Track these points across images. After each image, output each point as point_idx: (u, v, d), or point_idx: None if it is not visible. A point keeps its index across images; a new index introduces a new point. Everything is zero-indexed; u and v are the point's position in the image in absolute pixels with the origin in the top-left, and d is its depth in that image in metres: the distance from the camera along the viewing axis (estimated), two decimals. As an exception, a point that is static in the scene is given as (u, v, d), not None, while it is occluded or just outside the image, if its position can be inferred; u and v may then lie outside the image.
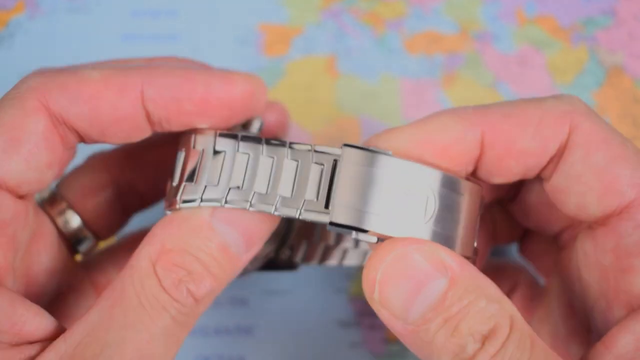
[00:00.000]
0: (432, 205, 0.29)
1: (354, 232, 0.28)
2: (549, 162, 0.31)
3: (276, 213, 0.29)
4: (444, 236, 0.29)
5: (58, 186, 0.37)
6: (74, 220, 0.36)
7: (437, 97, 0.47)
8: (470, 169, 0.32)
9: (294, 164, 0.29)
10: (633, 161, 0.30)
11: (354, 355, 0.44)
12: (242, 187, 0.29)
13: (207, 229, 0.29)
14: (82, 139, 0.32)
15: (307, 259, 0.39)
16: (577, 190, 0.30)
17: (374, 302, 0.29)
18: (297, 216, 0.29)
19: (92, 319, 0.29)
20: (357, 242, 0.38)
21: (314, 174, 0.29)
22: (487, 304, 0.28)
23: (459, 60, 0.48)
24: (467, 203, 0.30)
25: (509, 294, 0.39)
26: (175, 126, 0.32)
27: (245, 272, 0.36)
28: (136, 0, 0.49)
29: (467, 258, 0.31)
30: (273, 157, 0.30)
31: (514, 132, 0.30)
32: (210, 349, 0.43)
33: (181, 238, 0.29)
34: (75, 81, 0.30)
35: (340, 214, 0.28)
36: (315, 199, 0.29)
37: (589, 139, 0.30)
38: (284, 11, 0.49)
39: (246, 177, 0.30)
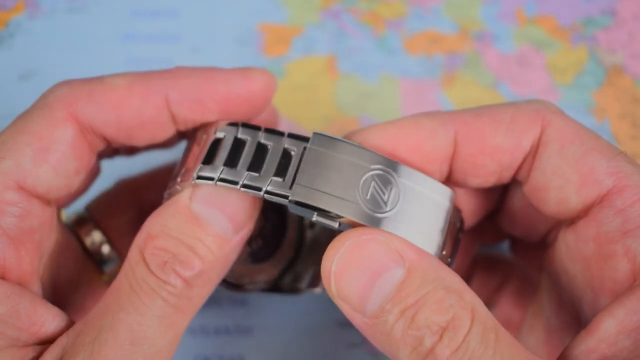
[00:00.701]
0: (394, 196, 0.29)
1: (315, 214, 0.29)
2: (524, 161, 0.31)
3: (241, 189, 0.30)
4: (402, 228, 0.29)
5: (86, 207, 0.38)
6: (100, 240, 0.37)
7: (437, 97, 0.47)
8: (444, 168, 0.32)
9: (269, 146, 0.30)
10: (607, 152, 0.30)
11: (353, 355, 0.44)
12: (237, 167, 0.30)
13: (186, 211, 0.30)
14: (110, 143, 0.33)
15: (312, 285, 0.39)
16: (556, 184, 0.30)
17: (332, 295, 0.29)
18: (262, 193, 0.29)
19: (92, 311, 0.30)
20: None
21: (285, 157, 0.30)
22: (446, 295, 0.27)
23: (459, 60, 0.48)
24: (432, 202, 0.30)
25: (500, 287, 0.39)
26: (199, 123, 0.33)
27: (247, 291, 0.37)
28: (136, 0, 0.49)
29: None
30: (247, 139, 0.31)
31: (487, 129, 0.31)
32: (210, 349, 0.43)
33: (163, 223, 0.30)
34: (101, 89, 0.32)
35: (299, 193, 0.29)
36: (282, 180, 0.29)
37: (562, 134, 0.30)
38: (284, 11, 0.49)
39: (234, 158, 0.31)
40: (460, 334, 0.27)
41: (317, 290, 0.39)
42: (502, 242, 0.40)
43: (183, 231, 0.30)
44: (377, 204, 0.29)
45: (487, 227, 0.38)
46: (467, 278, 0.40)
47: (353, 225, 0.29)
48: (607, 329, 0.28)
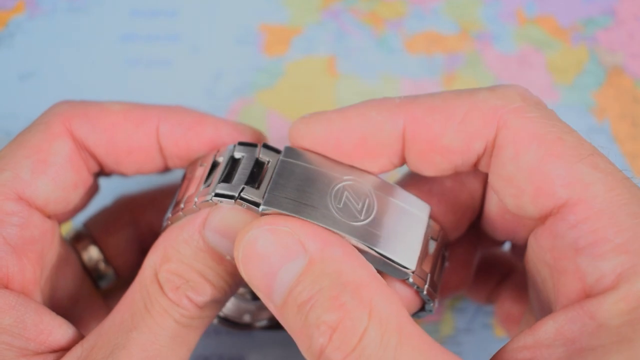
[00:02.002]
0: (368, 206, 0.29)
1: (260, 209, 0.29)
2: (480, 159, 0.30)
3: (214, 198, 0.30)
4: (378, 237, 0.29)
5: (85, 224, 0.39)
6: (97, 256, 0.38)
7: (437, 97, 0.47)
8: (395, 160, 0.31)
9: (244, 156, 0.31)
10: (568, 157, 0.28)
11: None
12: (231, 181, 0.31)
13: (199, 240, 0.30)
14: (101, 167, 0.34)
15: None
16: (511, 192, 0.29)
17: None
18: (236, 196, 0.29)
19: (106, 324, 0.30)
20: None
21: (258, 167, 0.30)
22: (341, 291, 0.25)
23: (459, 60, 0.48)
24: (408, 214, 0.30)
25: (500, 283, 0.39)
26: (183, 164, 0.34)
27: (250, 329, 0.37)
28: (136, 0, 0.49)
29: (404, 267, 0.29)
30: (244, 155, 0.31)
31: (437, 128, 0.29)
32: (210, 349, 0.43)
33: (177, 248, 0.30)
34: (97, 111, 0.33)
35: (271, 201, 0.29)
36: (256, 187, 0.30)
37: (517, 137, 0.28)
38: (284, 11, 0.49)
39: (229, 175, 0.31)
40: (353, 336, 0.25)
41: None
42: (501, 246, 0.40)
43: (196, 259, 0.30)
44: (350, 213, 0.29)
45: (483, 234, 0.38)
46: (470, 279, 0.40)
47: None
48: (546, 331, 0.27)
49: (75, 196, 0.33)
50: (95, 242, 0.38)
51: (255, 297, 0.37)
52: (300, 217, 0.28)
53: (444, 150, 0.29)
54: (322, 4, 0.49)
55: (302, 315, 0.26)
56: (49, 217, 0.33)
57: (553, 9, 0.49)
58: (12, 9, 0.48)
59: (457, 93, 0.30)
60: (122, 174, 0.35)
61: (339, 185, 0.29)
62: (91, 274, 0.38)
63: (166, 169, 0.35)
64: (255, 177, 0.30)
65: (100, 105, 0.33)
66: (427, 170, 0.31)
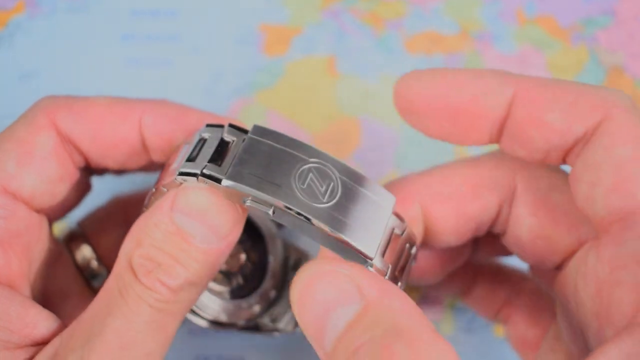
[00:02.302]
0: (332, 190, 0.29)
1: (249, 199, 0.29)
2: (574, 146, 0.29)
3: (177, 177, 0.30)
4: (338, 221, 0.28)
5: (78, 223, 0.39)
6: (90, 255, 0.38)
7: (437, 97, 0.47)
8: (494, 130, 0.30)
9: (209, 136, 0.31)
10: None
11: (354, 355, 0.44)
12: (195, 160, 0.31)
13: (168, 222, 0.30)
14: (87, 161, 0.34)
15: (292, 326, 0.38)
16: (589, 179, 0.28)
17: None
18: (198, 172, 0.29)
19: (84, 315, 0.30)
20: None
21: (223, 146, 0.30)
22: (394, 341, 0.24)
23: (459, 60, 0.48)
24: (372, 202, 0.30)
25: (509, 301, 0.38)
26: (165, 158, 0.33)
27: (225, 329, 0.37)
28: (136, 0, 0.49)
29: (364, 254, 0.29)
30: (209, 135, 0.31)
31: (544, 103, 0.29)
32: (210, 349, 0.43)
33: (147, 232, 0.30)
34: (81, 104, 0.33)
35: (233, 176, 0.29)
36: (218, 166, 0.30)
37: (618, 132, 0.28)
38: (284, 11, 0.49)
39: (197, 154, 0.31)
40: None
41: (298, 330, 0.38)
42: (508, 256, 0.38)
43: (166, 242, 0.30)
44: (313, 194, 0.29)
45: (487, 241, 0.37)
46: (469, 290, 0.39)
47: (288, 213, 0.28)
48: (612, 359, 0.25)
49: (61, 189, 0.33)
50: (88, 241, 0.38)
51: (234, 297, 0.37)
52: (266, 194, 0.28)
53: (545, 126, 0.29)
54: (322, 4, 0.49)
55: None
56: (36, 211, 0.33)
57: (553, 9, 0.49)
58: (12, 9, 0.48)
59: (569, 81, 0.30)
60: (108, 169, 0.35)
61: (305, 167, 0.29)
62: (84, 272, 0.38)
63: (152, 165, 0.34)
64: (220, 155, 0.30)
65: (85, 99, 0.33)
66: (519, 150, 0.30)
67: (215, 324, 0.37)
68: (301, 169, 0.29)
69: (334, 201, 0.29)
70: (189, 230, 0.29)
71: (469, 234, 0.32)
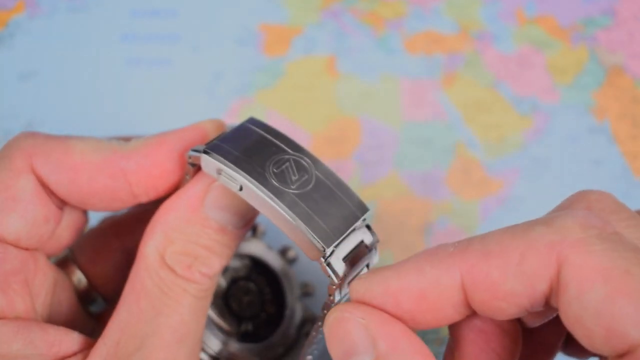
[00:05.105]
0: (304, 182, 0.30)
1: (221, 175, 0.30)
2: (548, 298, 0.28)
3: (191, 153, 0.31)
4: (300, 208, 0.29)
5: (70, 248, 0.38)
6: (83, 282, 0.38)
7: (437, 97, 0.47)
8: (462, 310, 0.29)
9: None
10: (636, 294, 0.25)
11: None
12: None
13: (202, 218, 0.31)
14: (66, 203, 0.34)
15: None
16: (582, 334, 0.26)
17: None
18: (201, 150, 0.30)
19: (123, 317, 0.31)
20: None
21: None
22: None
23: (459, 60, 0.48)
24: (342, 204, 0.30)
25: None
26: (160, 193, 0.33)
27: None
28: (136, 0, 0.49)
29: (318, 244, 0.29)
30: None
31: (495, 274, 0.27)
32: (210, 349, 0.43)
33: (179, 229, 0.31)
34: (60, 150, 0.32)
35: (212, 147, 0.30)
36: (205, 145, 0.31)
37: (579, 275, 0.26)
38: (284, 11, 0.49)
39: None
40: None
41: None
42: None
43: (201, 236, 0.31)
44: (284, 179, 0.29)
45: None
46: None
47: (252, 191, 0.29)
48: None
49: (48, 229, 0.33)
50: (81, 269, 0.38)
51: (239, 340, 0.37)
52: (236, 169, 0.29)
53: (507, 295, 0.27)
54: (322, 4, 0.49)
55: None
56: (27, 250, 0.33)
57: (553, 9, 0.49)
58: (12, 9, 0.48)
59: (511, 232, 0.28)
60: (93, 210, 0.34)
61: (284, 157, 0.30)
62: (81, 298, 0.38)
63: (141, 202, 0.34)
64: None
65: (64, 143, 0.32)
66: (498, 316, 0.29)
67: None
68: (280, 158, 0.30)
69: (303, 191, 0.29)
70: (223, 221, 0.31)
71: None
